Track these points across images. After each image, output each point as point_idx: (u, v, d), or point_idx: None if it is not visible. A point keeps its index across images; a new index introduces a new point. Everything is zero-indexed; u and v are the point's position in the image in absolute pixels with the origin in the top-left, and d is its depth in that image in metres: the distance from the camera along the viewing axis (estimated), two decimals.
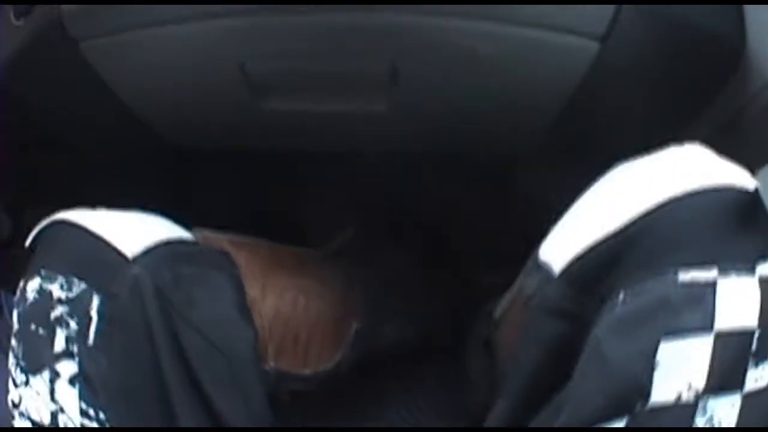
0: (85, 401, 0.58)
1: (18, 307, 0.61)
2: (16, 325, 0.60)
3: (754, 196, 0.47)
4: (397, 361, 0.82)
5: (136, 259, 0.60)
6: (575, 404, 0.48)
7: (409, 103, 0.67)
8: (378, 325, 0.77)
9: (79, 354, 0.58)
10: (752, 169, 0.50)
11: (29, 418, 0.59)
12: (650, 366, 0.45)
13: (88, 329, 0.58)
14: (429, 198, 0.88)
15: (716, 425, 0.45)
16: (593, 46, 0.60)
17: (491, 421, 0.56)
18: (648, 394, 0.45)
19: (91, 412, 0.58)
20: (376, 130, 0.71)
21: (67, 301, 0.59)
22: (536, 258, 0.53)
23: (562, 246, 0.51)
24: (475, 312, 0.82)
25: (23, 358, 0.59)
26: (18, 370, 0.59)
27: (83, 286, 0.59)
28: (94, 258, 0.60)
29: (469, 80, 0.65)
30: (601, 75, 0.62)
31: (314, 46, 0.62)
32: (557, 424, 0.48)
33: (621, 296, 0.47)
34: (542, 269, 0.52)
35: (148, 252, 0.61)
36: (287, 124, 0.71)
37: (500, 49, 0.61)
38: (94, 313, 0.59)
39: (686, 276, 0.46)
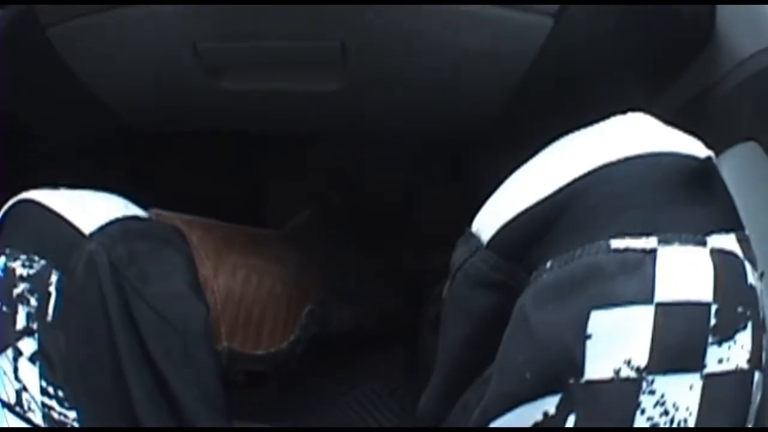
0: (45, 379, 0.59)
1: None
2: None
3: (706, 164, 0.44)
4: (354, 343, 0.82)
5: (92, 235, 0.60)
6: (503, 377, 0.45)
7: (361, 82, 0.67)
8: (333, 308, 0.78)
9: (39, 331, 0.59)
10: (718, 150, 0.47)
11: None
12: (581, 337, 0.42)
13: (47, 306, 0.59)
14: (386, 182, 0.88)
15: (671, 409, 0.41)
16: (547, 22, 0.59)
17: (426, 397, 0.55)
18: (581, 368, 0.42)
19: (51, 390, 0.59)
20: (330, 111, 0.71)
21: (28, 278, 0.60)
22: (467, 229, 0.51)
23: (491, 215, 0.49)
24: (429, 293, 0.82)
25: None
26: None
27: (43, 262, 0.60)
28: (54, 235, 0.60)
29: (422, 60, 0.65)
30: (556, 54, 0.61)
31: (265, 24, 0.62)
32: (486, 398, 0.46)
33: (549, 264, 0.44)
34: (471, 239, 0.50)
35: (104, 228, 0.61)
36: (242, 105, 0.72)
37: (449, 26, 0.60)
38: (53, 290, 0.59)
39: (620, 243, 0.42)
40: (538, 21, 0.59)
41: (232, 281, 0.69)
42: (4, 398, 0.60)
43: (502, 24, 0.60)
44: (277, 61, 0.66)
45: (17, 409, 0.59)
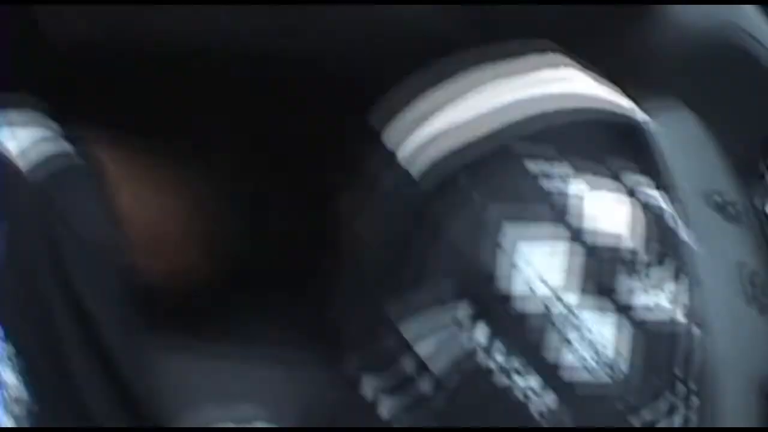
0: None
1: None
2: None
3: (629, 120, 0.46)
4: (262, 277, 0.80)
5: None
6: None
7: None
8: (241, 237, 0.75)
9: None
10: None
11: None
12: (493, 244, 0.43)
13: None
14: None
15: (591, 338, 0.42)
16: None
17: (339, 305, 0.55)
18: (492, 278, 0.43)
19: None
20: None
21: None
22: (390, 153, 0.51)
23: (422, 147, 0.49)
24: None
25: None
26: None
27: None
28: None
29: None
30: None
31: None
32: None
33: (463, 181, 0.45)
34: (399, 168, 0.50)
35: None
36: None
37: None
38: None
39: (535, 167, 0.44)
40: None
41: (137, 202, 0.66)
42: None
43: None
44: None
45: None
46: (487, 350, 0.44)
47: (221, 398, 0.72)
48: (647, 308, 0.43)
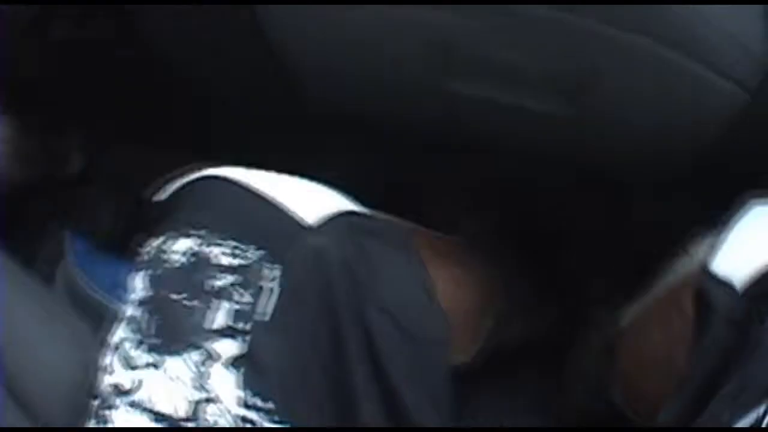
0: (249, 388, 0.50)
1: (151, 270, 0.53)
2: (144, 292, 0.52)
3: None
4: (511, 358, 0.81)
5: (319, 228, 0.54)
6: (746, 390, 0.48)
7: (591, 111, 0.65)
8: (511, 320, 0.76)
9: (250, 332, 0.50)
10: None
11: (151, 411, 0.49)
12: None
13: (262, 303, 0.51)
14: (550, 203, 0.86)
15: None
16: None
17: (667, 413, 0.55)
18: None
19: (257, 401, 0.50)
20: (549, 134, 0.69)
21: (236, 270, 0.51)
22: (710, 268, 0.53)
23: (741, 262, 0.52)
24: (584, 317, 0.81)
25: (157, 334, 0.50)
26: (142, 347, 0.51)
27: (257, 253, 0.52)
28: (269, 223, 0.53)
29: (642, 98, 0.63)
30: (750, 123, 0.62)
31: (515, 38, 0.59)
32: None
33: None
34: (723, 283, 0.52)
35: (330, 221, 0.55)
36: (459, 111, 0.69)
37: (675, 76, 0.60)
38: (271, 286, 0.51)
39: None
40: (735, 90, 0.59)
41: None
42: (166, 410, 0.49)
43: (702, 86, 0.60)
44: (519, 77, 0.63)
45: (190, 424, 0.49)
46: None
47: None
48: None
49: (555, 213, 0.86)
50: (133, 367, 0.50)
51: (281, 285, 0.52)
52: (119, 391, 0.50)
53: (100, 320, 0.57)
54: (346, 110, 0.73)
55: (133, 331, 0.52)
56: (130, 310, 0.53)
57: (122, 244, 0.65)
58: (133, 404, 0.49)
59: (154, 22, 0.68)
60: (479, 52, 0.61)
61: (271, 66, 0.68)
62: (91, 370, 0.53)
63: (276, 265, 0.52)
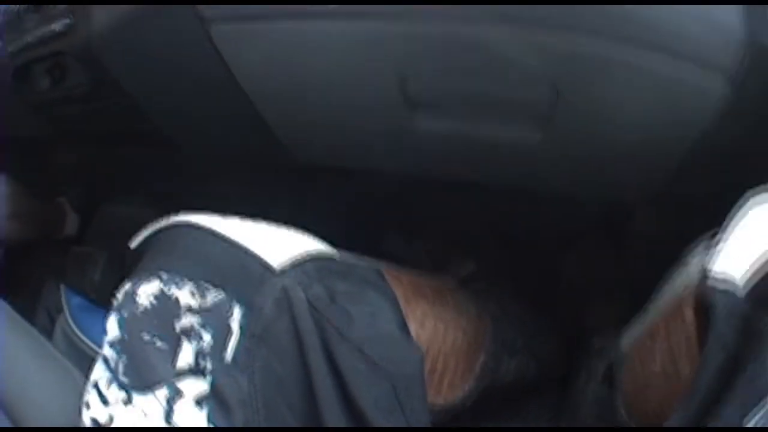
0: (213, 424, 0.51)
1: (121, 313, 0.54)
2: (115, 333, 0.54)
3: None
4: (511, 393, 0.79)
5: (284, 270, 0.55)
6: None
7: (561, 136, 0.64)
8: (503, 359, 0.75)
9: (213, 371, 0.52)
10: None
11: None
12: None
13: (225, 343, 0.53)
14: (541, 236, 0.85)
15: None
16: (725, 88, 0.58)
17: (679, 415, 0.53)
18: None
19: None
20: (518, 163, 0.68)
21: (200, 311, 0.53)
22: (710, 270, 0.52)
23: (741, 261, 0.51)
24: (585, 346, 0.80)
25: (125, 373, 0.52)
26: (113, 385, 0.52)
27: (221, 295, 0.53)
28: (233, 266, 0.55)
29: (615, 116, 0.62)
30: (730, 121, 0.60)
31: (477, 64, 0.59)
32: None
33: None
34: (726, 283, 0.51)
35: (298, 265, 0.56)
36: (430, 147, 0.68)
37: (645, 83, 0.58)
38: (234, 326, 0.53)
39: None
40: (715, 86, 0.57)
41: (420, 330, 0.65)
42: None
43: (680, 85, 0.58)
44: (483, 106, 0.63)
45: None
46: None
47: None
48: None
49: (545, 243, 0.85)
50: (107, 403, 0.53)
51: (246, 326, 0.54)
52: (96, 424, 0.53)
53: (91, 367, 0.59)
54: (318, 157, 0.74)
55: (106, 370, 0.54)
56: (104, 350, 0.54)
57: (112, 297, 0.66)
58: None
59: (128, 75, 0.69)
60: (441, 84, 0.61)
61: (247, 115, 0.69)
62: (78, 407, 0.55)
63: (240, 306, 0.54)
